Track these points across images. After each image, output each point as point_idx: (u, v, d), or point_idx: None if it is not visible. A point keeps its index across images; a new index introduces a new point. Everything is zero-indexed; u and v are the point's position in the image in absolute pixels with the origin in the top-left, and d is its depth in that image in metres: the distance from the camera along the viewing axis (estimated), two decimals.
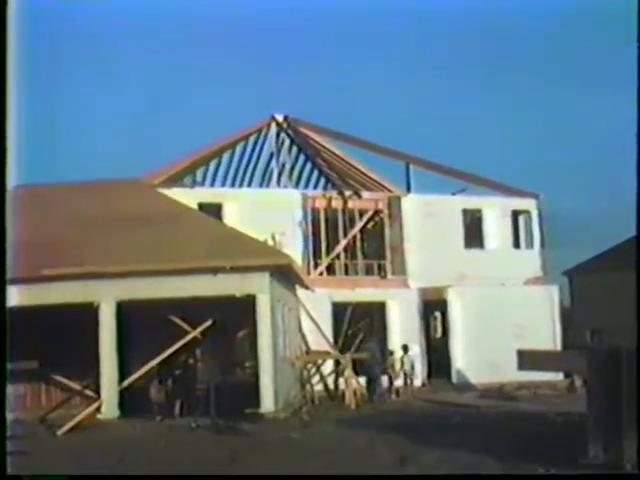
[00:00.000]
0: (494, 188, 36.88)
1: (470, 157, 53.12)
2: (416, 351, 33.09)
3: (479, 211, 36.51)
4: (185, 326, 23.93)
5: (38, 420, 24.11)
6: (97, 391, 23.40)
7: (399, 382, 31.33)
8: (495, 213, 36.34)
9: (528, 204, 37.09)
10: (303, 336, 31.73)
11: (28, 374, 24.45)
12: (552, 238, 37.56)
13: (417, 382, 32.97)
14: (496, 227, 36.25)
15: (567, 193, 58.95)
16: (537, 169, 62.49)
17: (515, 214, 37.17)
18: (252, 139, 36.40)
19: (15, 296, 21.43)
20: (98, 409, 22.88)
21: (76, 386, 25.48)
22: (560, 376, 31.44)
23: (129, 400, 23.21)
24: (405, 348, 31.81)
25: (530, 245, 37.11)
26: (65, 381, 25.47)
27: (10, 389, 24.80)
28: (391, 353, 32.12)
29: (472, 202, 36.54)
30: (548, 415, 21.32)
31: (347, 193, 35.60)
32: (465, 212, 36.08)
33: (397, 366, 31.60)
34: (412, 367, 31.86)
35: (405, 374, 31.57)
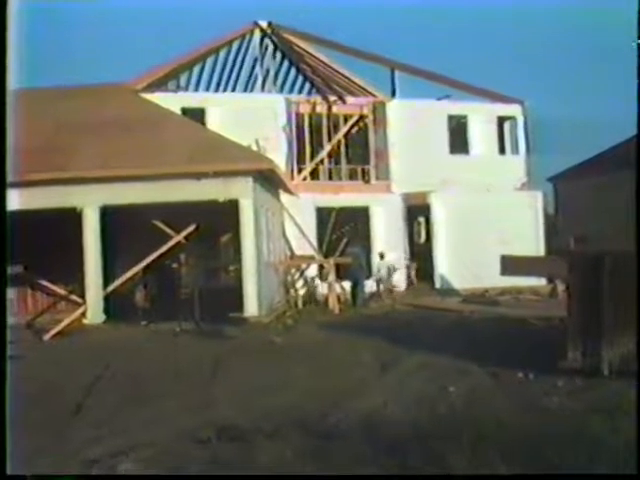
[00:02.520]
0: (479, 94, 36.64)
1: (455, 62, 52.67)
2: (398, 256, 33.34)
3: (464, 117, 36.31)
4: (169, 231, 23.97)
5: (25, 325, 24.30)
6: (82, 296, 23.53)
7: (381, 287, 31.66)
8: (480, 119, 36.17)
9: (514, 110, 36.89)
10: (287, 241, 31.86)
11: (14, 279, 24.52)
12: (537, 145, 37.57)
13: (400, 287, 33.26)
14: (481, 133, 36.12)
15: (553, 99, 58.65)
16: (523, 75, 62.06)
17: (500, 120, 36.99)
18: (235, 45, 35.89)
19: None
20: (84, 314, 23.02)
21: (62, 291, 25.65)
22: (543, 281, 31.74)
23: (114, 305, 23.37)
24: (381, 255, 32.10)
25: (515, 151, 37.05)
26: (51, 286, 25.63)
27: None
28: (382, 256, 32.32)
29: (457, 108, 36.30)
30: (529, 320, 21.50)
31: (331, 98, 35.27)
32: (450, 118, 35.88)
33: (383, 271, 31.90)
34: (389, 272, 32.17)
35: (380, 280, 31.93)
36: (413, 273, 34.28)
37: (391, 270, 32.17)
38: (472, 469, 8.50)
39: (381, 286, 31.87)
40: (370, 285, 30.98)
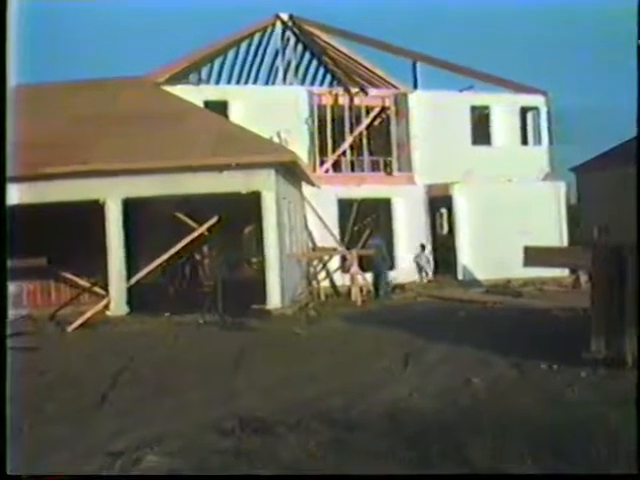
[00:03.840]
0: (502, 85, 36.44)
1: (478, 55, 52.49)
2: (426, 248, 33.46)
3: (487, 107, 36.15)
4: (191, 223, 24.03)
5: (48, 317, 24.46)
6: (106, 288, 23.63)
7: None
8: (503, 110, 35.99)
9: (537, 101, 36.67)
10: (309, 233, 31.85)
11: (38, 271, 24.71)
12: (560, 135, 37.40)
13: (423, 278, 33.26)
14: (504, 124, 35.92)
15: (576, 90, 58.40)
16: (546, 66, 61.79)
17: (523, 111, 36.77)
18: (257, 37, 35.82)
19: (24, 194, 21.66)
20: (107, 306, 23.12)
21: (85, 283, 25.78)
22: (566, 272, 31.63)
23: (138, 297, 23.43)
24: (422, 247, 32.29)
25: (538, 142, 36.83)
26: (74, 278, 25.75)
27: (22, 286, 25.51)
28: (423, 247, 32.72)
29: (480, 98, 36.15)
30: (553, 311, 21.45)
31: (353, 90, 35.22)
32: (473, 109, 35.72)
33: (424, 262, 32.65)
34: (428, 262, 32.70)
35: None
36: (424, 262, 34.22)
37: (430, 261, 32.52)
38: (495, 461, 8.49)
39: (423, 275, 32.45)
40: (393, 277, 30.99)
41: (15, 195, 20.98)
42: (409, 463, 8.63)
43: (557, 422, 10.07)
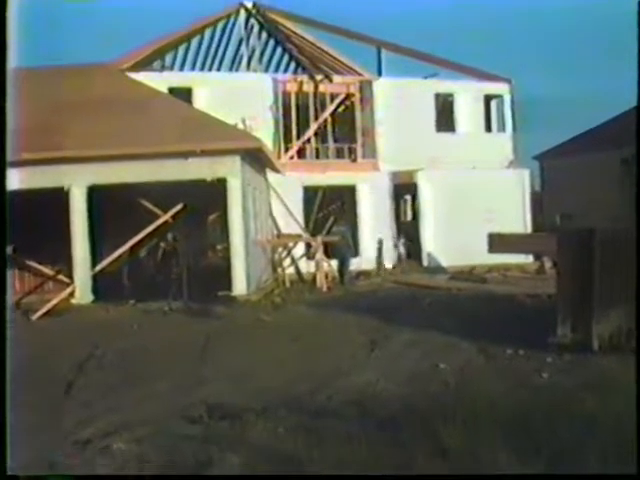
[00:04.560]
0: (466, 72, 36.53)
1: (442, 43, 52.54)
2: (384, 234, 33.46)
3: (451, 95, 36.26)
4: (156, 210, 23.91)
5: (13, 305, 24.22)
6: (70, 276, 23.47)
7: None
8: (467, 97, 36.09)
9: (501, 88, 36.80)
10: (274, 220, 31.84)
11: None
12: (524, 123, 37.58)
13: (388, 265, 33.30)
14: (468, 111, 36.04)
15: (539, 78, 58.58)
16: (509, 53, 61.95)
17: (487, 98, 36.90)
18: (220, 25, 35.67)
19: None
20: (72, 294, 22.97)
21: (50, 271, 25.60)
22: (530, 259, 31.88)
23: (102, 285, 23.29)
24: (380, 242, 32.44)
25: (502, 129, 37.01)
26: (39, 266, 25.55)
27: None
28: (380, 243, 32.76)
29: (444, 86, 36.24)
30: (518, 296, 21.57)
31: (318, 77, 35.20)
32: (437, 96, 35.78)
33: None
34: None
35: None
36: (404, 250, 34.34)
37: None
38: (464, 445, 8.51)
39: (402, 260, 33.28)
40: (357, 263, 31.07)
41: None
42: (376, 448, 8.63)
43: (524, 406, 10.11)
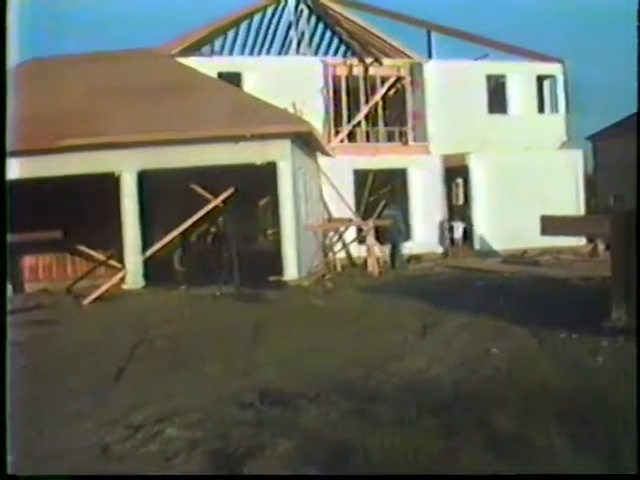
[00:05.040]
0: (518, 53, 36.17)
1: (493, 23, 52.04)
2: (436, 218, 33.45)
3: (503, 76, 35.91)
4: (207, 195, 23.92)
5: (64, 290, 24.48)
6: (121, 261, 23.58)
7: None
8: (519, 78, 35.72)
9: (553, 69, 36.37)
10: (325, 204, 31.75)
11: (53, 244, 24.69)
12: (577, 104, 37.11)
13: (439, 249, 33.17)
14: (520, 92, 35.66)
15: (592, 59, 57.86)
16: (562, 35, 61.19)
17: (540, 79, 36.49)
18: (270, 9, 35.67)
19: (37, 167, 21.62)
20: (122, 279, 23.07)
21: (101, 256, 25.75)
22: (583, 241, 31.52)
23: (154, 270, 23.38)
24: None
25: (555, 110, 36.59)
26: (89, 251, 25.71)
27: (37, 259, 25.61)
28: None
29: (495, 67, 35.92)
30: (571, 279, 21.31)
31: (368, 60, 35.04)
32: (489, 77, 35.48)
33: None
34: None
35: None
36: (461, 233, 34.14)
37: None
38: (518, 431, 8.39)
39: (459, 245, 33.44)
40: (409, 247, 30.92)
41: (31, 168, 21.05)
42: (430, 432, 8.53)
43: (579, 391, 9.96)
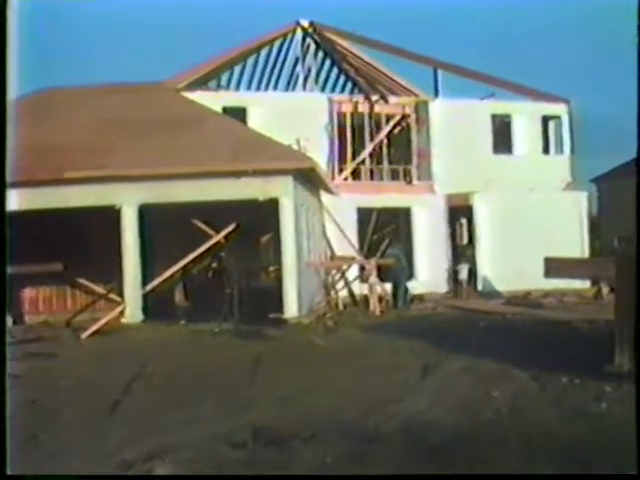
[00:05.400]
0: (524, 93, 36.15)
1: (499, 63, 52.15)
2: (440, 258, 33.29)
3: (508, 116, 35.88)
4: (208, 230, 23.80)
5: (64, 323, 24.34)
6: (122, 295, 23.43)
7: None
8: (525, 118, 35.70)
9: (559, 109, 36.36)
10: (327, 241, 31.60)
11: (54, 277, 24.60)
12: (582, 145, 37.03)
13: (442, 289, 32.96)
14: (525, 132, 35.64)
15: (598, 99, 57.88)
16: (567, 74, 61.28)
17: (545, 119, 36.47)
18: (277, 44, 35.74)
19: (39, 199, 21.54)
20: (122, 313, 22.91)
21: (101, 289, 25.62)
22: (587, 284, 31.31)
23: (153, 304, 23.23)
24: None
25: (560, 151, 36.52)
26: (90, 284, 25.59)
27: (37, 292, 25.54)
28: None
29: (501, 107, 35.89)
30: (574, 322, 21.10)
31: (374, 97, 35.03)
32: (494, 117, 35.45)
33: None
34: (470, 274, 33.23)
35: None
36: (466, 275, 33.78)
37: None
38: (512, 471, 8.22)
39: (464, 286, 32.49)
40: (412, 286, 30.71)
41: (32, 199, 20.97)
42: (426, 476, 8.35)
43: (582, 438, 9.76)
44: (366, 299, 28.31)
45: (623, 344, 13.30)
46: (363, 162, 34.86)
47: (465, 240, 35.54)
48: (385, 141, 35.35)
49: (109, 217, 22.52)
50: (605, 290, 28.99)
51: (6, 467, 7.11)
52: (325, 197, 31.02)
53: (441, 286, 33.06)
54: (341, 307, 28.14)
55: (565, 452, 9.10)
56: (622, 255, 14.74)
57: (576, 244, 32.84)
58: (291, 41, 35.54)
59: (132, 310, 22.83)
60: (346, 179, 34.01)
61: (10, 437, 7.32)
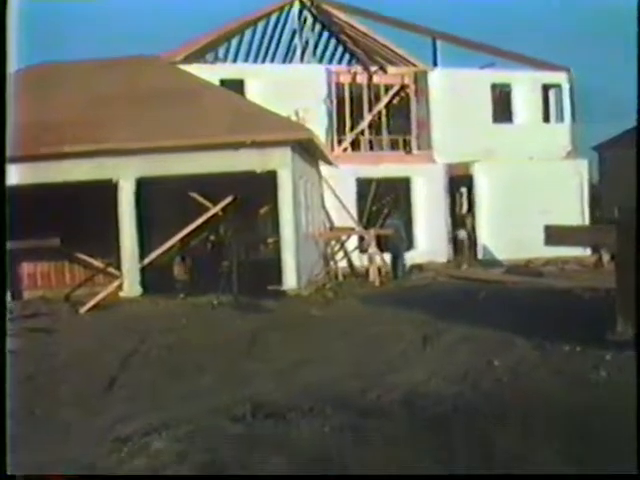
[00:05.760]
0: (523, 62, 35.89)
1: (498, 32, 51.80)
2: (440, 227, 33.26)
3: (508, 85, 35.63)
4: (206, 203, 23.65)
5: (63, 298, 24.25)
6: (120, 269, 23.29)
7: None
8: (524, 87, 35.45)
9: (559, 77, 36.10)
10: (326, 212, 31.46)
11: (51, 252, 24.48)
12: (583, 113, 36.84)
13: (442, 258, 32.85)
14: (525, 101, 35.40)
15: (598, 68, 57.55)
16: (568, 42, 60.95)
17: (545, 88, 36.24)
18: (274, 17, 35.46)
19: (35, 174, 21.37)
20: (120, 287, 22.78)
21: (99, 264, 25.50)
22: (587, 252, 31.21)
23: (152, 278, 23.08)
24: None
25: (560, 119, 36.32)
26: (88, 259, 25.48)
27: (35, 267, 25.44)
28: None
29: (501, 76, 35.62)
30: (575, 290, 20.97)
31: (372, 68, 34.82)
32: (494, 86, 35.20)
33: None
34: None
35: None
36: (466, 243, 33.79)
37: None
38: (519, 447, 8.11)
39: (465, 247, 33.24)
40: (411, 257, 30.61)
41: (29, 175, 20.79)
42: (428, 450, 8.25)
43: (583, 406, 9.67)
44: (366, 270, 28.22)
45: (625, 312, 13.19)
46: (362, 133, 34.70)
47: (465, 209, 35.46)
48: (384, 111, 35.18)
49: (107, 191, 22.33)
50: (606, 258, 28.88)
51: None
52: (324, 168, 30.83)
53: (441, 255, 32.93)
54: (340, 278, 28.01)
55: (566, 422, 9.00)
56: (624, 223, 14.60)
57: (577, 212, 32.72)
58: (288, 13, 35.24)
59: (130, 284, 22.68)
60: (345, 150, 33.85)
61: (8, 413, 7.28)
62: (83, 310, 21.41)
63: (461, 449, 8.20)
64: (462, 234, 33.64)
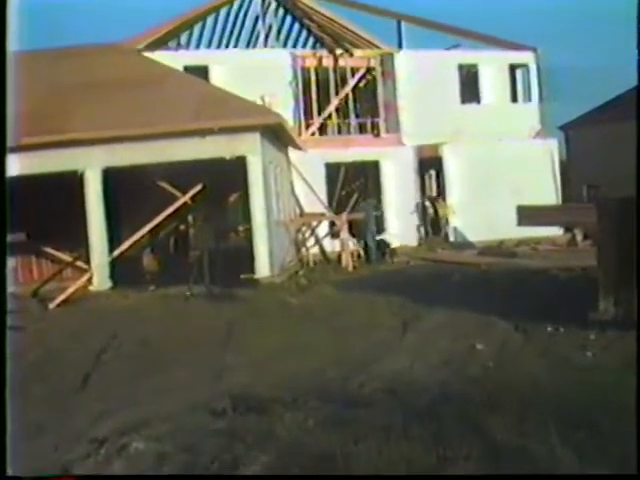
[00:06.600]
0: (490, 42, 35.74)
1: (464, 12, 51.63)
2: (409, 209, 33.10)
3: (475, 66, 35.43)
4: (175, 192, 23.23)
5: (30, 294, 23.73)
6: (89, 262, 22.87)
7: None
8: (491, 67, 35.29)
9: (526, 57, 35.97)
10: (296, 199, 31.16)
11: (18, 247, 23.95)
12: (550, 93, 36.72)
13: (413, 242, 32.67)
14: (493, 81, 35.23)
15: (565, 47, 57.55)
16: (534, 22, 60.93)
17: (512, 68, 36.11)
18: (236, 3, 35.04)
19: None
20: (89, 280, 22.36)
21: (67, 258, 25.03)
22: (560, 231, 31.14)
23: (122, 271, 22.67)
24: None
25: (528, 99, 36.19)
26: (55, 253, 24.99)
27: None
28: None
29: (467, 57, 35.47)
30: (551, 270, 20.77)
31: (338, 51, 34.50)
32: (460, 67, 35.00)
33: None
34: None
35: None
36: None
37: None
38: (508, 432, 7.86)
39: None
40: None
41: None
42: (416, 440, 7.96)
43: (570, 388, 9.46)
44: (338, 255, 27.96)
45: (607, 290, 13.00)
46: (330, 117, 34.42)
47: (435, 191, 35.33)
48: (351, 95, 34.91)
49: (72, 183, 21.90)
50: (579, 237, 28.82)
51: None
52: (293, 153, 30.52)
53: (412, 239, 32.74)
54: (313, 264, 27.77)
55: (557, 404, 8.78)
56: (605, 200, 14.43)
57: (548, 192, 32.65)
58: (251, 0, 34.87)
59: (100, 277, 22.27)
60: (313, 134, 33.54)
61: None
62: (52, 305, 20.98)
63: (449, 437, 7.95)
64: (426, 203, 33.63)
